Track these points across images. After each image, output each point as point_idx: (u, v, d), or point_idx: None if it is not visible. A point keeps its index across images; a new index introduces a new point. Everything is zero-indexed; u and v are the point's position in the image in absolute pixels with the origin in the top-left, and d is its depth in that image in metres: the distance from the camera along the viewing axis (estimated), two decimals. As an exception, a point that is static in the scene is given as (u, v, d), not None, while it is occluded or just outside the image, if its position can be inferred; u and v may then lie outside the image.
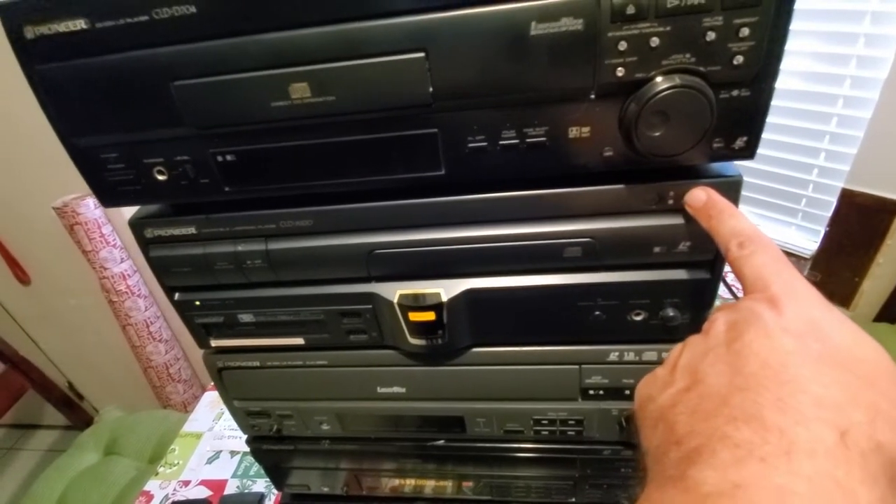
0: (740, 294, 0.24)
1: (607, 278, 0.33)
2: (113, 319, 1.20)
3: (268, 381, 0.42)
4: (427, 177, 0.30)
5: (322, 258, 0.34)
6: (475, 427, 0.42)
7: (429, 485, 0.49)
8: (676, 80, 0.24)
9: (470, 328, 0.36)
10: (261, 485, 0.62)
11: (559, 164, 0.28)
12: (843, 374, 0.18)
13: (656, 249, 0.31)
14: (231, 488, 0.63)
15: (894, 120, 0.87)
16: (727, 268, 0.28)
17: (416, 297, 0.34)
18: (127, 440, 0.99)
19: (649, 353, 0.36)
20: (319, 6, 0.25)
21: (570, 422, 0.40)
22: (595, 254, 0.32)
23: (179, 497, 0.62)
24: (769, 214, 1.12)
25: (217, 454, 0.68)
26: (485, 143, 0.28)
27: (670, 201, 0.29)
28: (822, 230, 1.03)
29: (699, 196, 0.28)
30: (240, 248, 0.34)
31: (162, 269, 0.36)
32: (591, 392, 0.38)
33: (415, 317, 0.34)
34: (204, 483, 0.64)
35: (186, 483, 0.64)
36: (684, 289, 0.32)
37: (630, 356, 0.36)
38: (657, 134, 0.26)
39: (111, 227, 1.11)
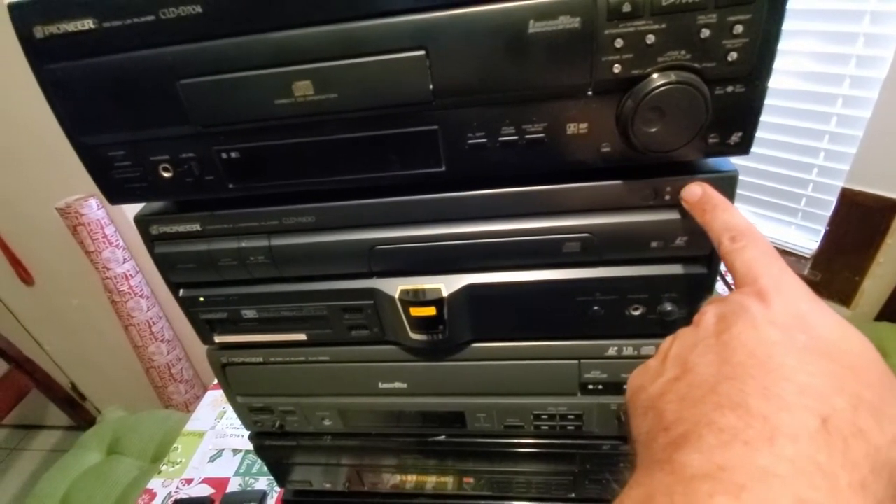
0: None
1: (605, 273, 0.33)
2: (115, 320, 1.20)
3: (270, 376, 0.43)
4: (428, 173, 0.30)
5: (324, 254, 0.34)
6: (475, 422, 0.42)
7: (430, 481, 0.50)
8: (672, 76, 0.25)
9: (470, 323, 0.37)
10: (263, 482, 0.62)
11: (558, 160, 0.29)
12: (828, 363, 0.18)
13: (654, 244, 0.31)
14: (233, 486, 0.63)
15: (894, 119, 0.87)
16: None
17: (416, 292, 0.34)
18: (129, 440, 0.99)
19: (647, 348, 0.36)
20: (322, 6, 0.25)
21: (570, 416, 0.40)
22: (593, 249, 0.32)
23: (182, 495, 0.63)
24: (769, 214, 1.12)
25: (219, 452, 0.69)
26: (484, 140, 0.29)
27: (667, 196, 0.30)
28: (822, 229, 1.04)
29: (695, 191, 0.28)
30: (243, 244, 0.34)
31: (166, 266, 0.36)
32: (591, 387, 0.39)
33: (416, 312, 0.35)
34: (206, 481, 0.65)
35: (189, 481, 0.65)
36: (681, 283, 0.33)
37: (628, 351, 0.37)
38: (653, 130, 0.26)
39: (114, 228, 1.11)
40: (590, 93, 0.26)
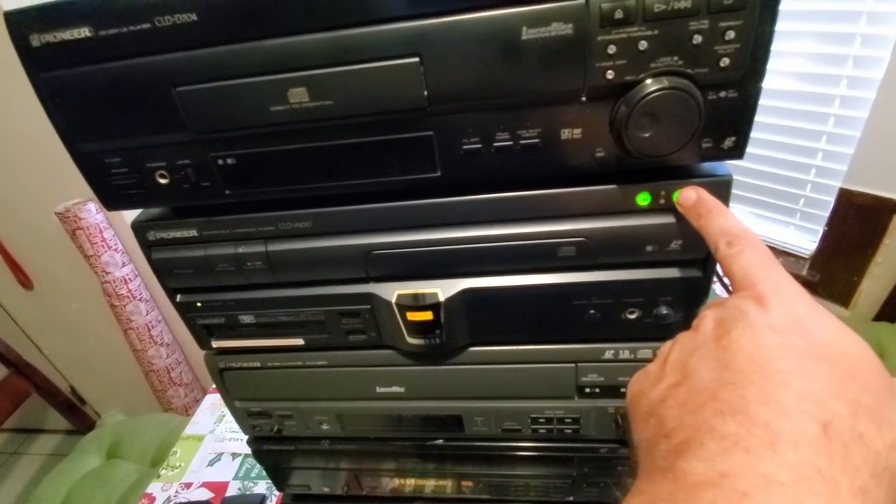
0: None
1: (601, 277, 0.33)
2: (114, 323, 1.20)
3: (268, 381, 0.43)
4: (423, 178, 0.30)
5: (321, 259, 0.34)
6: (473, 426, 0.42)
7: (428, 484, 0.50)
8: (665, 82, 0.25)
9: (467, 327, 0.37)
10: (262, 486, 0.62)
11: (552, 165, 0.29)
12: (827, 368, 0.18)
13: (649, 248, 0.31)
14: (233, 490, 0.63)
15: (891, 119, 0.87)
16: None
17: (413, 296, 0.34)
18: (129, 444, 0.99)
19: (644, 351, 0.36)
20: (317, 13, 0.25)
21: (567, 420, 0.40)
22: (589, 253, 0.32)
23: (181, 499, 0.63)
24: (768, 214, 1.12)
25: (218, 456, 0.68)
26: (479, 145, 0.29)
27: (662, 201, 0.30)
28: (820, 230, 1.04)
29: (689, 195, 0.28)
30: (240, 249, 0.34)
31: (164, 271, 0.36)
32: (588, 390, 0.39)
33: (413, 316, 0.35)
34: (206, 485, 0.65)
35: (188, 485, 0.65)
36: (677, 287, 0.33)
37: (625, 354, 0.37)
38: (647, 135, 0.26)
39: (112, 232, 1.12)
40: (583, 98, 0.26)
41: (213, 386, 0.61)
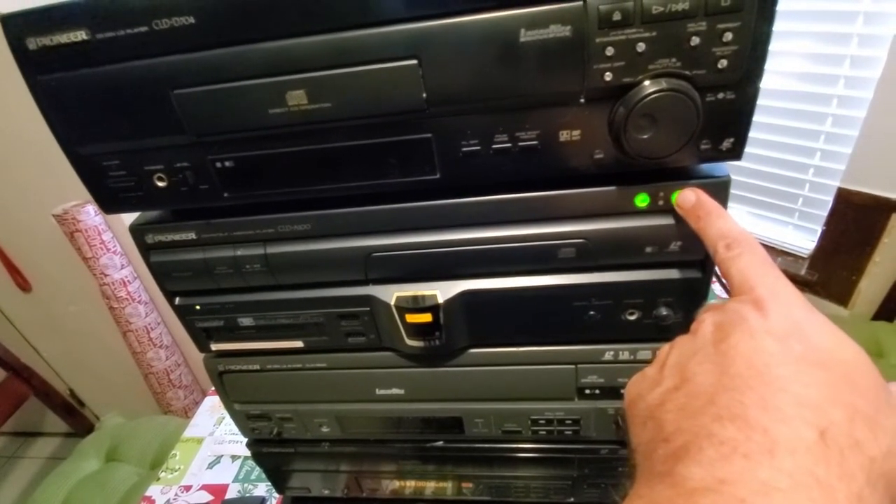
0: None
1: (601, 278, 0.33)
2: (113, 326, 1.20)
3: (268, 384, 0.42)
4: (422, 180, 0.30)
5: (320, 262, 0.34)
6: (473, 427, 0.42)
7: (428, 486, 0.50)
8: (663, 83, 0.25)
9: (467, 329, 0.37)
10: (262, 489, 0.62)
11: (551, 166, 0.29)
12: (824, 374, 0.18)
13: (648, 249, 0.31)
14: (232, 492, 0.63)
15: (889, 119, 0.87)
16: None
17: (412, 299, 0.34)
18: (128, 446, 0.99)
19: (644, 353, 0.36)
20: (315, 16, 0.25)
21: (567, 421, 0.40)
22: (588, 254, 0.32)
23: (181, 502, 0.63)
24: (766, 214, 1.12)
25: (218, 459, 0.68)
26: (478, 147, 0.29)
27: (661, 202, 0.30)
28: (818, 229, 1.04)
29: (688, 197, 0.28)
30: (239, 252, 0.34)
31: (162, 274, 0.36)
32: (588, 391, 0.39)
33: (412, 318, 0.35)
34: (205, 488, 0.64)
35: (188, 488, 0.65)
36: (676, 288, 0.33)
37: (625, 355, 0.37)
38: (645, 137, 0.26)
39: (111, 234, 1.11)
40: (582, 100, 0.26)
41: (213, 388, 0.60)
